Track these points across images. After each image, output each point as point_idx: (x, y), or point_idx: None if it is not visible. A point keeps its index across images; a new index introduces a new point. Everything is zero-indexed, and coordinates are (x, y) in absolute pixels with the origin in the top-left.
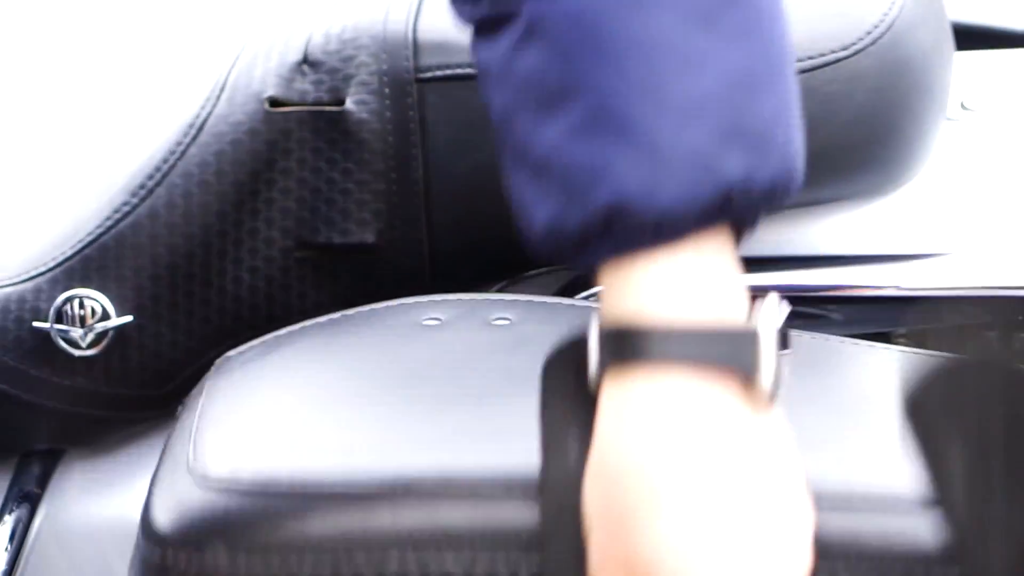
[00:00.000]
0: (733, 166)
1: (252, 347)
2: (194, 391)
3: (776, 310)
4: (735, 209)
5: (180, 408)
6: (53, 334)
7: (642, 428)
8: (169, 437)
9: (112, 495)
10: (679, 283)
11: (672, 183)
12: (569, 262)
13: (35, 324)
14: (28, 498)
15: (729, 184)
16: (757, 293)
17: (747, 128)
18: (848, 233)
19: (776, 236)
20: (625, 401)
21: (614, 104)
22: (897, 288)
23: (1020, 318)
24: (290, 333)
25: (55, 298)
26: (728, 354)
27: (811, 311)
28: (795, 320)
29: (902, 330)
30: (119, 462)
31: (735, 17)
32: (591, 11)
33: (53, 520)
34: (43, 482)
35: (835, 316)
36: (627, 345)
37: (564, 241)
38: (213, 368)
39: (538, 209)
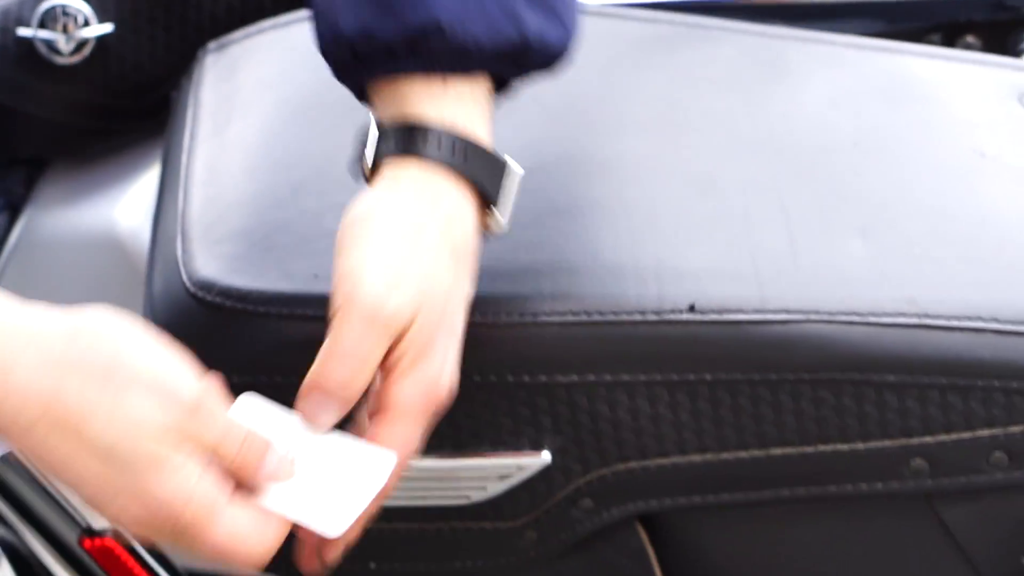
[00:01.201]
0: (532, 22)
1: (242, 38)
2: (184, 85)
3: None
4: (526, 59)
5: (173, 97)
6: (36, 42)
7: (402, 197)
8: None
9: (92, 205)
10: (466, 105)
11: (483, 21)
12: (354, 72)
13: (19, 31)
14: (10, 205)
15: (527, 34)
16: None
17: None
18: None
19: None
20: (396, 177)
21: None
22: None
23: (961, 20)
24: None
25: (39, 6)
26: (482, 173)
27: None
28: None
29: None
30: (101, 173)
31: None
32: None
33: (34, 227)
34: (27, 188)
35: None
36: (410, 139)
37: (374, 50)
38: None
39: (348, 15)
